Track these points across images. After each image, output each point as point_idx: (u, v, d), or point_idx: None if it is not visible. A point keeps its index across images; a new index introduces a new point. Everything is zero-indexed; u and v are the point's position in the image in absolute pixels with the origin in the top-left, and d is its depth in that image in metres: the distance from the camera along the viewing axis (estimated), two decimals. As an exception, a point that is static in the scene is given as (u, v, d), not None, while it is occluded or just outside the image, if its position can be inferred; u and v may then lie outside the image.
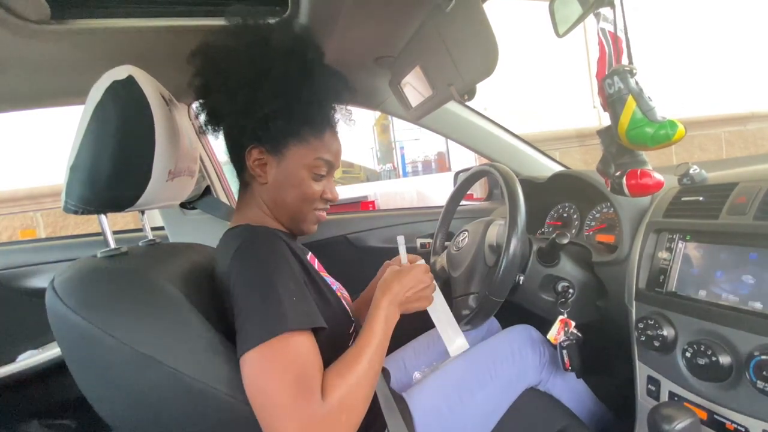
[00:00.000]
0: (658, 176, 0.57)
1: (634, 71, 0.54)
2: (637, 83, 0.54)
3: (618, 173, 0.59)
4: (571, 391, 0.84)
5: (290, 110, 0.61)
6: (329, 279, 0.72)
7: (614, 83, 0.54)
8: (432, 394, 0.75)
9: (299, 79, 0.61)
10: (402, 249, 0.76)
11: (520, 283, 0.81)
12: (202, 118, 0.66)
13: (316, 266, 0.71)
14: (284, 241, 0.60)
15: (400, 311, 0.65)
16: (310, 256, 0.72)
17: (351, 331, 0.67)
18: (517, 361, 0.80)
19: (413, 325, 0.73)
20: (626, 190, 0.58)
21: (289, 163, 0.65)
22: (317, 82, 0.63)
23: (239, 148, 0.65)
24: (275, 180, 0.65)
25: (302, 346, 0.50)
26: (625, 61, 0.54)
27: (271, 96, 0.60)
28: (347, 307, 0.69)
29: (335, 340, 0.60)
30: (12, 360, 1.08)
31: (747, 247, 0.59)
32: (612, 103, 0.55)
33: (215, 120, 0.65)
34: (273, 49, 0.61)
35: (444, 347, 0.73)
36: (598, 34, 0.55)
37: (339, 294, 0.69)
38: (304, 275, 0.60)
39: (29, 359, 1.08)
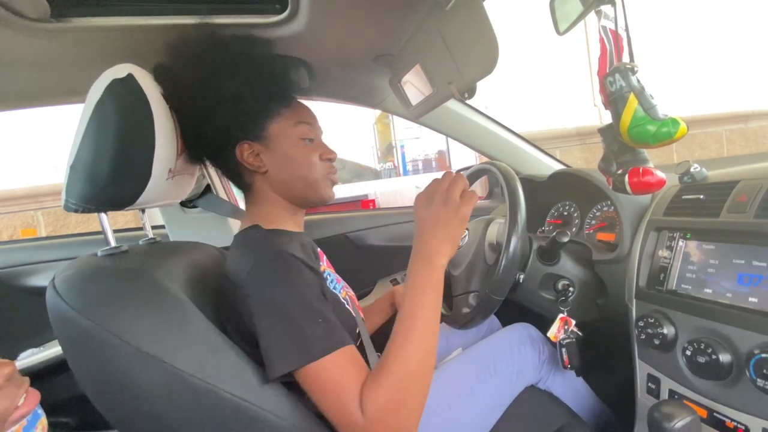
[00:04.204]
0: (660, 174, 0.57)
1: (636, 69, 0.53)
2: (638, 81, 0.53)
3: (620, 171, 0.59)
4: (571, 389, 0.84)
5: (256, 91, 0.63)
6: (336, 276, 0.72)
7: (616, 81, 0.54)
8: (432, 392, 0.74)
9: (250, 60, 0.63)
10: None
11: (521, 281, 0.81)
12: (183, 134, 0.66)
13: (325, 262, 0.72)
14: (296, 257, 0.58)
15: (451, 249, 0.60)
16: (319, 251, 0.72)
17: (357, 332, 0.67)
18: (517, 359, 0.80)
19: None
20: (628, 188, 0.58)
21: (276, 141, 0.66)
22: (265, 56, 0.65)
23: (227, 152, 0.65)
24: (273, 163, 0.66)
25: (333, 368, 0.51)
26: (626, 58, 0.54)
27: (234, 82, 0.61)
28: (351, 308, 0.68)
29: None
30: (13, 359, 1.08)
31: (748, 246, 0.59)
32: (613, 101, 0.55)
33: (198, 128, 0.64)
34: (219, 42, 0.63)
35: (443, 347, 0.73)
36: (599, 31, 0.54)
37: (344, 293, 0.69)
38: (321, 284, 0.59)
39: (30, 357, 1.08)
